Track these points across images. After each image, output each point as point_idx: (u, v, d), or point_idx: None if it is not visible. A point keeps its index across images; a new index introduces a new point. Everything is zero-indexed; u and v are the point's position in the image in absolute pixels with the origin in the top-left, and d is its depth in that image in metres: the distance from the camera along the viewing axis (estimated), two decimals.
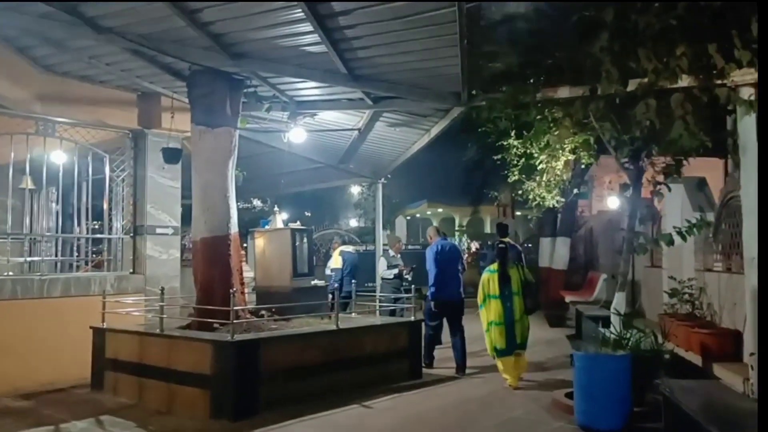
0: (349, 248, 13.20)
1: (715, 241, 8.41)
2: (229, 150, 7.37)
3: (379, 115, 8.68)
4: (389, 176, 13.75)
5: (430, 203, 33.56)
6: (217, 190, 7.32)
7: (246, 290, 9.74)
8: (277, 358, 6.46)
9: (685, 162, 6.17)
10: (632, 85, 5.60)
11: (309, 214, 29.03)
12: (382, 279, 10.52)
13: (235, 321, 6.88)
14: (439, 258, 8.30)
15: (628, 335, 6.16)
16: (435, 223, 30.69)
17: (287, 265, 8.08)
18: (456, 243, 14.88)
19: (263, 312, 7.81)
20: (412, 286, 9.05)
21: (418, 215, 35.24)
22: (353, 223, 26.54)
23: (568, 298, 13.55)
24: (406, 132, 9.71)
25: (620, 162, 6.49)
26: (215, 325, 7.05)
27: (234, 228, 7.52)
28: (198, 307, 7.26)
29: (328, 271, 11.67)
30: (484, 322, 7.78)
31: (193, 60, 6.70)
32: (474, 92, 6.65)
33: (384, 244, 12.93)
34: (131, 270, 9.02)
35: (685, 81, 5.35)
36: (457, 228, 28.90)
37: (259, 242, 8.42)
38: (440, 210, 34.21)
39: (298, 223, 8.63)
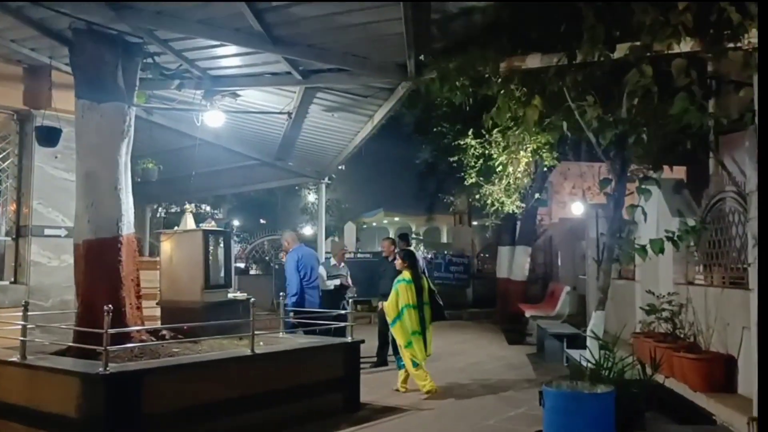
0: None
1: (698, 250, 7.35)
2: (120, 131, 5.94)
3: (311, 97, 7.36)
4: (337, 179, 12.53)
5: (386, 212, 32.41)
6: (104, 181, 5.88)
7: (149, 304, 8.34)
8: (167, 394, 5.04)
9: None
10: (621, 51, 4.42)
11: (264, 222, 27.53)
12: (321, 291, 9.17)
13: (124, 345, 5.51)
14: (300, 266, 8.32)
15: (609, 364, 4.95)
16: (391, 233, 29.56)
17: (198, 275, 6.67)
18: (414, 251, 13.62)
19: (164, 333, 6.40)
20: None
21: (374, 224, 34.00)
22: (308, 230, 25.20)
23: (528, 312, 12.42)
24: (346, 119, 8.41)
25: (601, 151, 5.29)
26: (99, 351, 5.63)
27: (127, 229, 6.08)
28: (77, 329, 5.79)
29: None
30: (402, 336, 7.39)
31: (65, 11, 5.26)
32: (423, 61, 5.38)
33: (327, 252, 11.60)
34: (12, 279, 7.47)
35: (688, 44, 4.20)
36: (413, 236, 27.75)
37: (165, 247, 6.98)
38: (396, 219, 33.07)
39: (213, 224, 7.22)
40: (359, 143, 9.03)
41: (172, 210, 18.60)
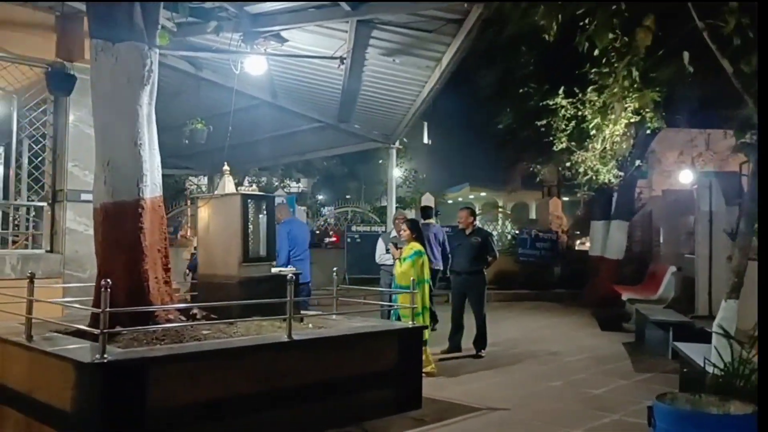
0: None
1: None
2: (139, 76, 5.10)
3: (366, 38, 6.31)
4: (421, 152, 11.45)
5: (472, 187, 31.02)
6: (121, 135, 5.07)
7: (187, 279, 7.64)
8: (179, 387, 4.19)
9: None
10: None
11: (349, 197, 26.95)
12: (381, 266, 8.22)
13: (143, 327, 4.75)
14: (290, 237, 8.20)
15: (745, 370, 3.67)
16: (478, 209, 28.15)
17: (235, 246, 5.80)
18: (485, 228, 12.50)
19: (195, 312, 5.59)
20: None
21: (460, 199, 32.66)
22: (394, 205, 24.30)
23: (625, 295, 10.95)
24: (409, 65, 7.27)
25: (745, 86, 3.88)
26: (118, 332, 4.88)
27: (152, 191, 5.27)
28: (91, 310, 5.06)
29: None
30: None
31: None
32: None
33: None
34: (48, 248, 6.92)
35: None
36: (500, 211, 26.33)
37: (202, 214, 6.17)
38: (483, 194, 31.58)
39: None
40: (428, 96, 7.89)
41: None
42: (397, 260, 7.05)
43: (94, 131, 5.19)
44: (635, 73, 6.21)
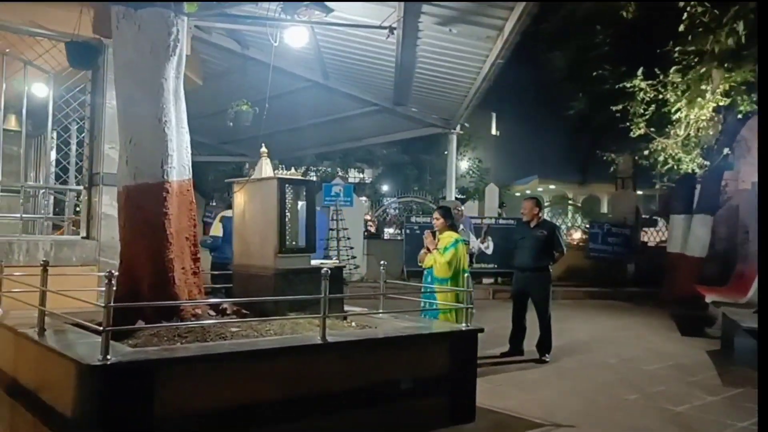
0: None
1: None
2: (164, 46, 4.63)
3: (418, 6, 5.64)
4: (487, 143, 10.69)
5: (541, 179, 29.92)
6: (144, 111, 4.62)
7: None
8: (191, 393, 3.69)
9: None
10: None
11: (416, 188, 26.43)
12: None
13: (156, 325, 4.31)
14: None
15: None
16: (547, 201, 26.99)
17: (271, 235, 5.28)
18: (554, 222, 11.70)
19: (226, 307, 5.12)
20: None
21: (528, 191, 31.59)
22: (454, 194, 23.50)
23: (709, 297, 9.91)
24: (468, 36, 6.60)
25: None
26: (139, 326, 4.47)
27: (179, 174, 4.82)
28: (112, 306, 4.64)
29: None
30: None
31: None
32: None
33: (473, 218, 9.96)
34: (84, 234, 6.61)
35: None
36: (570, 203, 25.18)
37: (238, 199, 5.68)
38: (552, 186, 30.41)
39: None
40: (490, 72, 7.17)
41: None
42: (435, 250, 6.45)
43: (116, 107, 4.76)
44: (731, 41, 5.34)
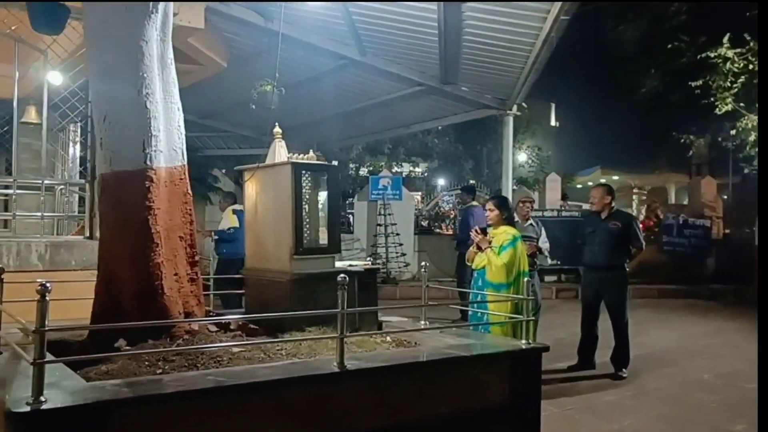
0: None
1: None
2: (144, 6, 3.74)
3: None
4: (548, 133, 9.52)
5: (603, 169, 28.26)
6: (120, 82, 3.74)
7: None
8: None
9: None
10: None
11: (473, 181, 25.23)
12: None
13: (141, 351, 3.46)
14: None
15: None
16: None
17: (285, 232, 4.35)
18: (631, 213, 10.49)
19: (230, 321, 4.21)
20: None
21: (590, 183, 29.92)
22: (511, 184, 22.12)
23: None
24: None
25: None
26: (121, 345, 3.64)
27: (169, 159, 3.92)
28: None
29: None
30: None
31: None
32: None
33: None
34: (87, 234, 5.86)
35: None
36: (635, 192, 23.52)
37: (249, 190, 4.76)
38: (616, 177, 28.70)
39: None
40: (549, 36, 6.01)
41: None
42: (488, 249, 5.33)
43: (89, 76, 3.89)
44: None
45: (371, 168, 18.65)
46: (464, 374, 3.79)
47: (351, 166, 20.01)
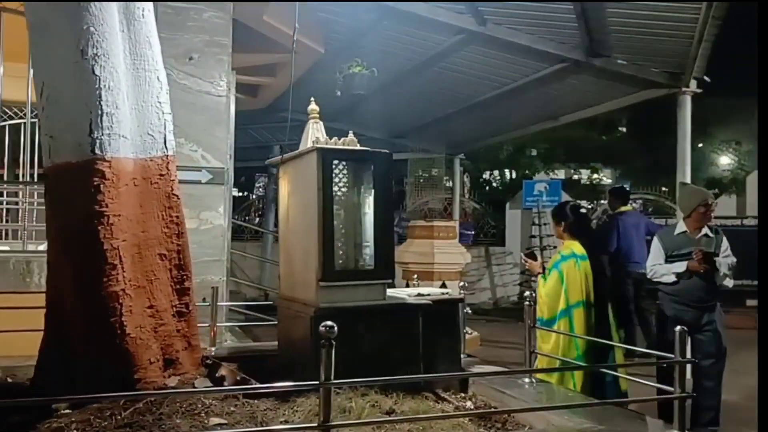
0: None
1: None
2: None
3: None
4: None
5: None
6: (60, 40, 2.71)
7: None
8: None
9: None
10: None
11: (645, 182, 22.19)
12: (659, 286, 4.54)
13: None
14: None
15: None
16: None
17: (311, 248, 3.06)
18: None
19: (224, 373, 3.01)
20: None
21: None
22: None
23: None
24: None
25: None
26: (59, 408, 2.63)
27: (138, 147, 2.86)
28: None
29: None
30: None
31: None
32: None
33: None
34: None
35: None
36: None
37: (282, 190, 3.52)
38: None
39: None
40: None
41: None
42: (539, 275, 4.26)
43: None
44: None
45: (525, 172, 16.74)
46: None
47: (493, 172, 18.16)
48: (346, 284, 3.05)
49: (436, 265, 7.99)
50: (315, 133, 3.28)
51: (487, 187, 17.93)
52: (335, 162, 3.06)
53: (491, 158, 16.17)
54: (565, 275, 3.96)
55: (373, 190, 3.14)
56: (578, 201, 5.32)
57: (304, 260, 3.20)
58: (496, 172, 18.52)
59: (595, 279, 3.98)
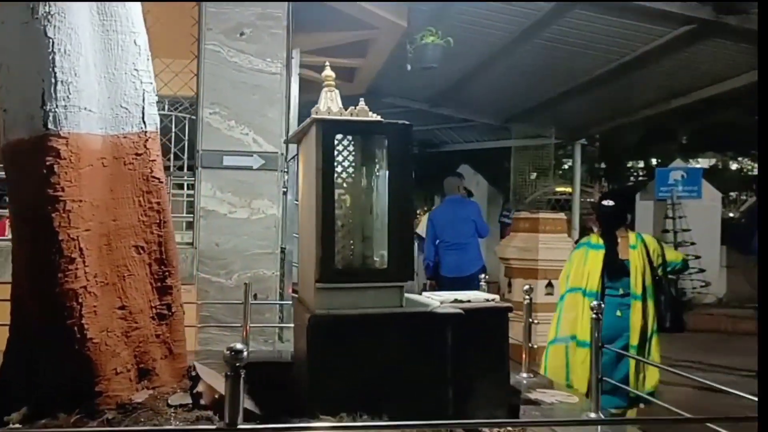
0: None
1: None
2: None
3: None
4: None
5: None
6: (12, 8, 2.36)
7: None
8: None
9: None
10: None
11: None
12: None
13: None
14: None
15: None
16: None
17: (312, 241, 2.52)
18: None
19: (201, 390, 2.53)
20: None
21: None
22: None
23: None
24: None
25: None
26: (12, 420, 2.32)
27: (108, 122, 2.46)
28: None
29: None
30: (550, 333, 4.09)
31: None
32: None
33: None
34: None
35: None
36: None
37: (302, 174, 3.00)
38: None
39: None
40: None
41: None
42: None
43: None
44: None
45: (659, 160, 14.98)
46: None
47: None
48: (349, 287, 2.47)
49: (541, 262, 7.15)
50: (327, 103, 2.72)
51: (623, 178, 16.40)
52: (339, 136, 2.49)
53: (614, 144, 14.60)
54: (571, 262, 4.13)
55: (388, 170, 2.53)
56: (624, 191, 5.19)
57: (307, 256, 2.67)
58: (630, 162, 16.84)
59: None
